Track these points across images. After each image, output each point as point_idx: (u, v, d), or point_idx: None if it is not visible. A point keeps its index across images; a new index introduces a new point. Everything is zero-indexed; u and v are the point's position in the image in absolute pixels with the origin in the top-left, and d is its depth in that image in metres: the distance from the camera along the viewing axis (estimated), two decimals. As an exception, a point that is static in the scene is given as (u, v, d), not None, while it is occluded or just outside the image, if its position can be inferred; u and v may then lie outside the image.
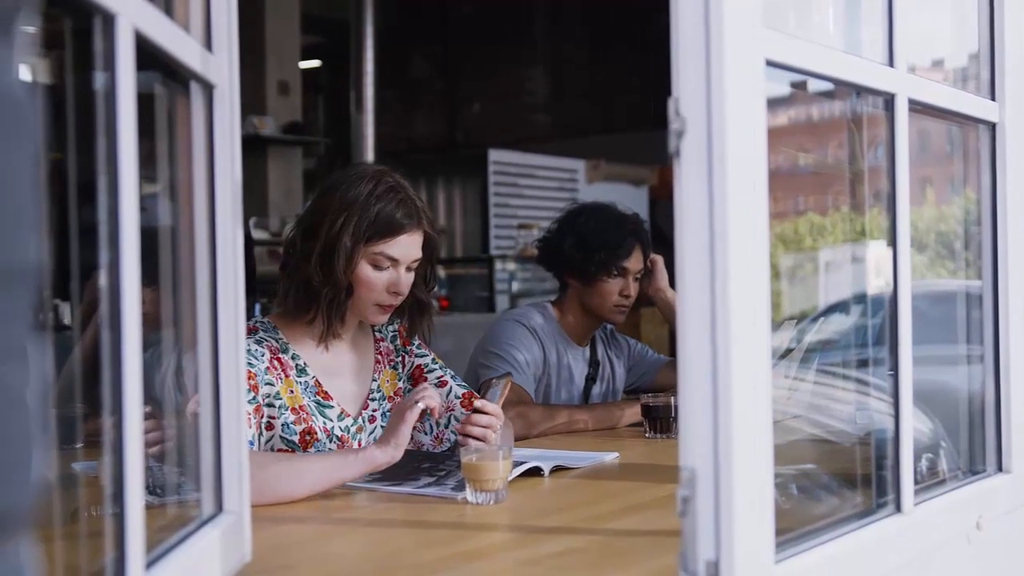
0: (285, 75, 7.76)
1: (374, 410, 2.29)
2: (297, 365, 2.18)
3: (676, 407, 2.61)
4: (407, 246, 2.17)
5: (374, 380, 2.31)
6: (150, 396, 1.07)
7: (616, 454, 2.34)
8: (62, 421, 1.83)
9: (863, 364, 1.91)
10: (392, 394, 2.32)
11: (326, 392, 2.20)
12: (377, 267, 2.16)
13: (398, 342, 2.38)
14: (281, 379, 2.14)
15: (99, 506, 1.34)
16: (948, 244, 2.08)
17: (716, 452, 1.15)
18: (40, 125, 0.59)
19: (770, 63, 1.23)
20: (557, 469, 2.15)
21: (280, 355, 2.17)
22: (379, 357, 2.34)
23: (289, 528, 1.73)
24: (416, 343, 2.39)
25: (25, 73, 0.60)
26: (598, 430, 2.76)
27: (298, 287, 2.17)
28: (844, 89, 1.61)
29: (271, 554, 1.51)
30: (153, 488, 1.32)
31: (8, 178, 0.55)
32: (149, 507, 1.07)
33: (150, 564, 1.07)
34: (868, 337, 1.89)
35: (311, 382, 2.19)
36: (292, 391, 2.15)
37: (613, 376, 3.13)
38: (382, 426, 2.26)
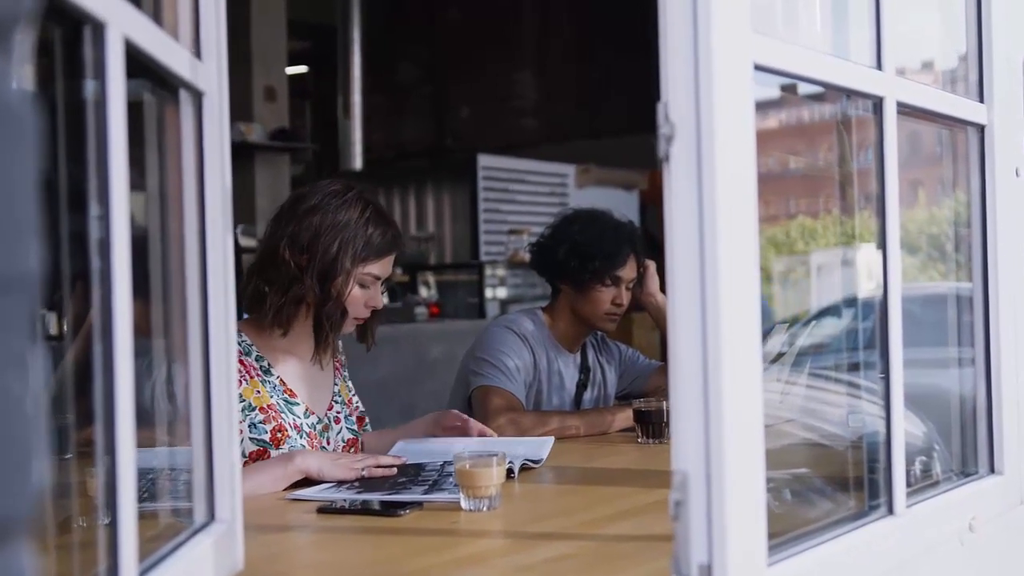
0: (272, 81, 7.74)
1: (337, 412, 2.39)
2: (262, 366, 2.26)
3: (668, 412, 2.61)
4: (390, 265, 2.31)
5: (335, 384, 2.41)
6: (140, 406, 1.06)
7: (551, 439, 2.39)
8: (54, 431, 1.83)
9: (855, 367, 1.92)
10: (346, 401, 2.43)
11: (291, 390, 2.28)
12: (363, 286, 2.27)
13: (344, 359, 2.49)
14: (246, 380, 2.20)
15: (87, 516, 1.34)
16: (940, 246, 2.08)
17: (708, 455, 1.15)
18: (38, 134, 0.60)
19: (758, 67, 1.23)
20: (525, 468, 2.19)
21: (244, 358, 2.23)
22: (337, 365, 2.44)
23: (281, 537, 1.73)
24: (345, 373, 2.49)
25: (23, 82, 0.60)
26: (590, 435, 2.76)
27: (290, 302, 2.22)
28: (833, 92, 1.61)
29: (263, 563, 1.50)
30: (142, 496, 1.31)
31: (9, 187, 0.55)
32: (140, 515, 1.06)
33: (142, 573, 1.07)
34: (860, 340, 1.89)
35: (277, 382, 2.26)
36: (259, 391, 2.22)
37: (604, 382, 3.13)
38: (347, 427, 2.39)
